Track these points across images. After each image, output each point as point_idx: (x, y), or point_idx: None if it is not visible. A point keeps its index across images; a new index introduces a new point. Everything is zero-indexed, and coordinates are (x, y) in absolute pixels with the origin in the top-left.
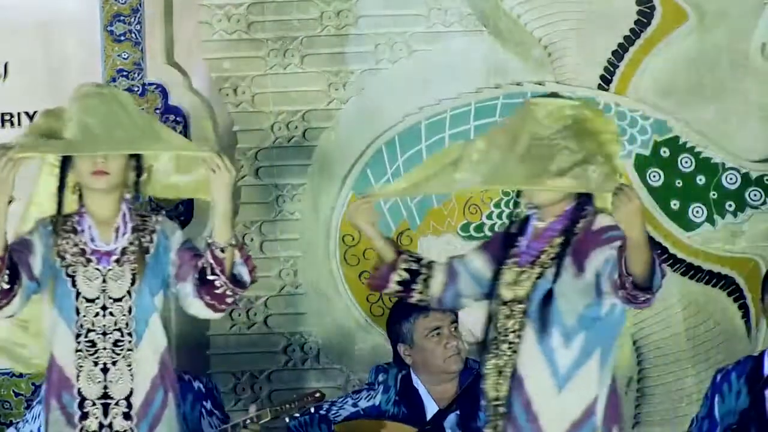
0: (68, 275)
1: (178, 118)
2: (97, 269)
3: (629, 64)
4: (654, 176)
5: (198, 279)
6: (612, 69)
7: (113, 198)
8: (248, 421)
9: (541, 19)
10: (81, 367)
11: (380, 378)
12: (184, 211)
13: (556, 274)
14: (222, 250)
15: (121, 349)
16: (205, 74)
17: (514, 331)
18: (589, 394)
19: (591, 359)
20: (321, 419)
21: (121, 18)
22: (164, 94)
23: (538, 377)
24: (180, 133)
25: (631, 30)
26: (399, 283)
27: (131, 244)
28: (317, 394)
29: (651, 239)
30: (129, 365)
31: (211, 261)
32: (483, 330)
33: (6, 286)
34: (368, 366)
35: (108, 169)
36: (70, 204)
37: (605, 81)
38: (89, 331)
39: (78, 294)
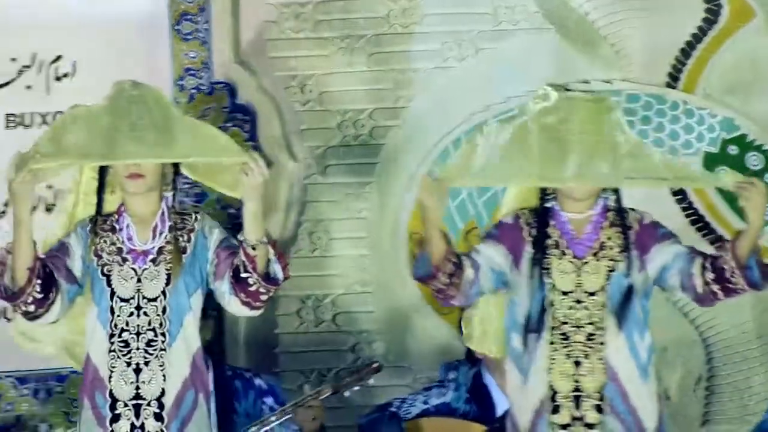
0: (104, 274)
1: (245, 117)
2: (133, 269)
3: (697, 62)
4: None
5: (233, 277)
6: (680, 67)
7: (152, 197)
8: (308, 398)
9: (608, 17)
10: (114, 367)
11: (451, 375)
12: None
13: (629, 268)
14: (253, 248)
15: (154, 349)
16: (272, 73)
17: (591, 323)
18: (655, 386)
19: (653, 352)
20: (391, 416)
21: (189, 17)
22: (232, 92)
23: (628, 370)
24: (247, 132)
25: (699, 28)
26: (447, 275)
27: (168, 243)
28: (375, 365)
29: (720, 237)
30: (161, 365)
31: (244, 258)
32: (530, 319)
33: (39, 296)
34: (436, 364)
35: (142, 171)
36: (114, 203)
37: (673, 79)
38: (123, 330)
39: (113, 293)
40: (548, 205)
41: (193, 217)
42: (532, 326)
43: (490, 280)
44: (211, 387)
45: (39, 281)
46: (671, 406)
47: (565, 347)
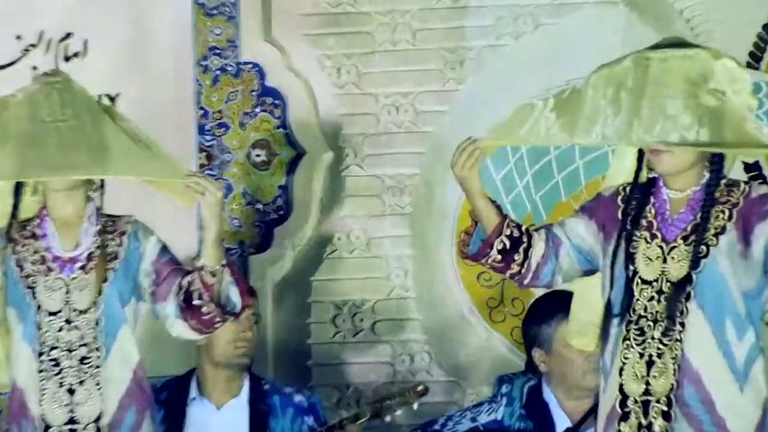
0: (28, 287)
1: (275, 101)
2: (60, 278)
3: None
4: None
5: (183, 301)
6: (762, 45)
7: (77, 196)
8: (345, 421)
9: None
10: (45, 389)
11: (504, 389)
12: (283, 205)
13: (726, 253)
14: (213, 274)
15: (89, 367)
16: (307, 52)
17: (671, 317)
18: (762, 393)
19: (761, 354)
20: None
21: None
22: (261, 74)
23: (717, 373)
24: (278, 117)
25: None
26: (500, 251)
27: (97, 248)
28: (419, 388)
29: None
30: (97, 384)
31: (200, 286)
32: (612, 305)
33: None
34: (486, 379)
35: None
36: (31, 207)
37: (755, 58)
38: (52, 348)
39: (39, 307)
40: (654, 175)
41: (124, 219)
42: (617, 311)
43: (575, 259)
44: (153, 401)
45: None
46: None
47: (639, 344)
